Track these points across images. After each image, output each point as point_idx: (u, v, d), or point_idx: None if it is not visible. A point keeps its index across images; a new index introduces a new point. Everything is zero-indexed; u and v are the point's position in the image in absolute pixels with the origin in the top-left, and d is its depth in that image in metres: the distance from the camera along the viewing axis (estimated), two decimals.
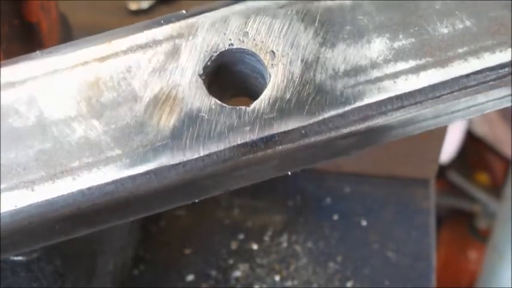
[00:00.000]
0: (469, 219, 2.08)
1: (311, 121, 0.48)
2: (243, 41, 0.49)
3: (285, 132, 0.48)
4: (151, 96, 0.49)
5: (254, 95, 0.50)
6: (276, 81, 0.48)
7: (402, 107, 0.48)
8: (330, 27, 0.50)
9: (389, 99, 0.48)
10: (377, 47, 0.49)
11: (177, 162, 0.47)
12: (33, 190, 0.47)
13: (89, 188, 0.47)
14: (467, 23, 0.49)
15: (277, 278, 0.97)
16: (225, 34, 0.50)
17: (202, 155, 0.47)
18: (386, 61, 0.49)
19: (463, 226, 2.07)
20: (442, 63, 0.48)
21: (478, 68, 0.48)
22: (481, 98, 0.50)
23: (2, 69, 0.50)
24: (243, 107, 0.48)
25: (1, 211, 0.47)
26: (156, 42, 0.50)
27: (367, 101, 0.48)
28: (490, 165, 2.10)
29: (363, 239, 1.00)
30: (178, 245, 1.00)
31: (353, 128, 0.48)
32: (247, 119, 0.48)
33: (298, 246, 1.00)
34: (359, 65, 0.49)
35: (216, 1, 0.51)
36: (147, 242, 1.00)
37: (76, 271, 0.82)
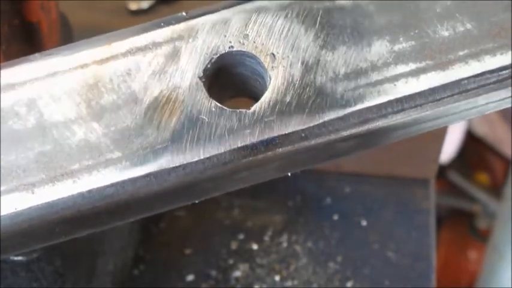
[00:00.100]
0: (469, 219, 2.08)
1: (311, 124, 0.47)
2: (243, 44, 0.49)
3: (285, 135, 0.47)
4: (151, 98, 0.49)
5: (254, 96, 0.50)
6: (276, 83, 0.48)
7: (402, 110, 0.48)
8: (330, 30, 0.49)
9: (390, 102, 0.48)
10: (377, 49, 0.49)
11: (177, 165, 0.47)
12: (33, 193, 0.47)
13: (89, 191, 0.47)
14: (468, 26, 0.49)
15: (277, 278, 0.97)
16: (225, 36, 0.50)
17: (202, 157, 0.47)
18: (387, 64, 0.49)
19: (463, 226, 2.07)
20: (443, 66, 0.48)
21: (479, 71, 0.48)
22: (481, 100, 0.50)
23: (1, 71, 0.50)
24: (244, 110, 0.48)
25: (1, 214, 0.47)
26: (156, 45, 0.50)
27: (367, 103, 0.48)
28: (490, 165, 2.10)
29: (363, 239, 1.01)
30: (178, 245, 1.00)
31: (353, 131, 0.48)
32: (247, 121, 0.48)
33: (298, 246, 1.00)
34: (359, 67, 0.49)
35: (216, 3, 0.51)
36: (147, 242, 1.00)
37: (76, 271, 0.82)
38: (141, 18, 1.03)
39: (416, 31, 0.49)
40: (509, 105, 0.53)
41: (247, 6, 0.50)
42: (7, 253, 0.52)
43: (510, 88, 0.50)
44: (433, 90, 0.48)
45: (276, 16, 0.50)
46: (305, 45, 0.49)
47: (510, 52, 0.48)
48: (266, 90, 0.48)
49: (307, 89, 0.48)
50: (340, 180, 1.07)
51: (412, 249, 0.99)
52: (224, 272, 0.97)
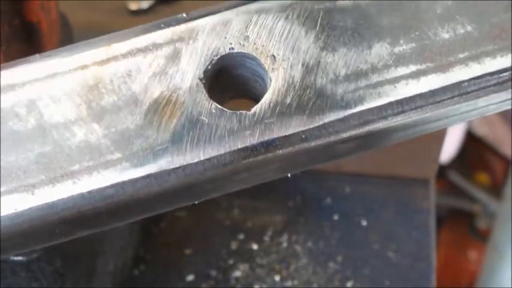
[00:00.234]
0: (469, 219, 2.08)
1: (311, 125, 0.47)
2: (244, 45, 0.49)
3: (285, 136, 0.47)
4: (152, 100, 0.49)
5: (254, 97, 0.50)
6: (276, 85, 0.48)
7: (402, 111, 0.48)
8: (331, 32, 0.49)
9: (390, 104, 0.48)
10: (378, 51, 0.49)
11: (177, 166, 0.47)
12: (33, 193, 0.47)
13: (89, 192, 0.47)
14: (468, 28, 0.49)
15: (277, 278, 0.97)
16: (225, 38, 0.50)
17: (202, 159, 0.47)
18: (387, 66, 0.49)
19: (463, 226, 2.07)
20: (443, 68, 0.48)
21: (479, 73, 0.48)
22: (481, 102, 0.50)
23: (2, 72, 0.50)
24: (244, 112, 0.48)
25: (1, 214, 0.47)
26: (157, 46, 0.50)
27: (367, 105, 0.48)
28: (490, 165, 2.10)
29: (363, 239, 1.01)
30: (178, 246, 1.00)
31: (353, 133, 0.48)
32: (247, 123, 0.48)
33: (298, 246, 1.00)
34: (360, 69, 0.49)
35: (217, 4, 0.51)
36: (147, 242, 1.00)
37: (76, 271, 0.82)
38: (141, 18, 1.03)
39: (417, 33, 0.49)
40: (510, 107, 0.53)
41: (248, 7, 0.50)
42: (7, 253, 0.52)
43: (510, 90, 0.50)
44: (433, 92, 0.48)
45: (276, 18, 0.50)
46: (305, 47, 0.49)
47: (510, 54, 0.48)
48: (266, 91, 0.48)
49: (308, 90, 0.48)
50: (340, 180, 1.07)
51: (412, 249, 0.99)
52: (224, 272, 0.97)
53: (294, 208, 1.04)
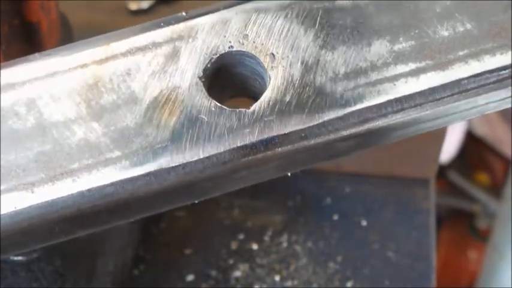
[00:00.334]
0: (469, 219, 2.08)
1: (311, 123, 0.47)
2: (243, 44, 0.49)
3: (284, 134, 0.47)
4: (151, 98, 0.49)
5: (254, 96, 0.50)
6: (275, 83, 0.48)
7: (402, 109, 0.48)
8: (330, 30, 0.49)
9: (389, 102, 0.48)
10: (377, 49, 0.49)
11: (176, 164, 0.47)
12: (32, 192, 0.47)
13: (89, 190, 0.47)
14: (468, 26, 0.49)
15: (277, 278, 0.97)
16: (225, 36, 0.50)
17: (202, 157, 0.47)
18: (386, 64, 0.49)
19: (463, 226, 2.07)
20: (442, 66, 0.48)
21: (479, 71, 0.48)
22: (481, 100, 0.50)
23: (1, 71, 0.50)
24: (243, 110, 0.48)
25: (1, 213, 0.47)
26: (156, 45, 0.50)
27: (367, 103, 0.48)
28: (490, 165, 2.10)
29: (363, 239, 1.00)
30: (178, 245, 1.00)
31: (353, 131, 0.48)
32: (246, 121, 0.48)
33: (298, 246, 1.00)
34: (359, 67, 0.49)
35: (216, 3, 0.51)
36: (147, 242, 1.00)
37: (76, 271, 0.82)
38: (141, 18, 1.03)
39: (416, 31, 0.49)
40: (510, 106, 0.53)
41: (247, 6, 0.50)
42: (7, 253, 0.52)
43: (510, 88, 0.50)
44: (432, 90, 0.48)
45: (275, 16, 0.50)
46: (305, 45, 0.49)
47: (510, 52, 0.48)
48: (266, 90, 0.48)
49: (307, 88, 0.48)
50: (340, 180, 1.07)
51: (412, 249, 0.99)
52: (224, 272, 0.97)
53: (294, 208, 1.04)
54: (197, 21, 0.50)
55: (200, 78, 0.49)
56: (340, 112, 0.48)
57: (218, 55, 0.49)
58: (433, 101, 0.48)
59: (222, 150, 0.47)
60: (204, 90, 0.48)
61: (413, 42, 0.49)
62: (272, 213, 1.04)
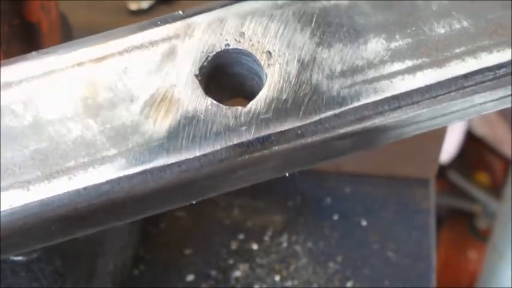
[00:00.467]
0: (469, 219, 2.08)
1: (307, 121, 0.47)
2: (240, 42, 0.49)
3: (281, 132, 0.47)
4: (148, 96, 0.49)
5: (251, 96, 0.50)
6: (272, 81, 0.48)
7: (399, 107, 0.48)
8: (326, 28, 0.49)
9: (386, 100, 0.48)
10: (373, 47, 0.49)
11: (173, 162, 0.47)
12: (28, 190, 0.47)
13: (85, 188, 0.47)
14: (465, 23, 0.49)
15: (277, 278, 0.97)
16: (221, 35, 0.50)
17: (198, 155, 0.47)
18: (383, 61, 0.49)
19: (463, 226, 2.07)
20: (439, 63, 0.48)
21: (475, 68, 0.48)
22: (478, 98, 0.50)
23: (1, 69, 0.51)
24: (239, 107, 0.48)
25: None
26: (153, 43, 0.50)
27: (363, 101, 0.48)
28: (490, 165, 2.09)
29: (363, 239, 1.00)
30: (178, 245, 1.00)
31: (350, 129, 0.48)
32: (243, 119, 0.48)
33: (298, 246, 1.00)
34: (355, 65, 0.49)
35: (212, 2, 0.51)
36: (147, 242, 1.00)
37: (76, 271, 0.82)
38: (141, 18, 1.03)
39: (413, 29, 0.49)
40: (509, 105, 0.53)
41: (243, 4, 0.50)
42: (6, 253, 0.52)
43: (508, 86, 0.50)
44: (429, 87, 0.48)
45: (272, 14, 0.50)
46: (301, 43, 0.49)
47: (507, 49, 0.48)
48: (262, 88, 0.48)
49: (304, 86, 0.48)
50: (340, 180, 1.07)
51: (412, 249, 0.99)
52: (224, 272, 0.97)
53: (294, 208, 1.04)
54: (194, 19, 0.50)
55: (197, 76, 0.49)
56: (337, 110, 0.48)
57: (215, 53, 0.49)
58: (430, 98, 0.48)
59: (218, 148, 0.47)
60: (200, 88, 0.48)
61: (409, 40, 0.49)
62: (272, 213, 1.04)
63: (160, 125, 0.48)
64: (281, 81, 0.48)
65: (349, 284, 0.96)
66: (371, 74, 0.48)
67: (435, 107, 0.49)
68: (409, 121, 0.50)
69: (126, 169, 0.47)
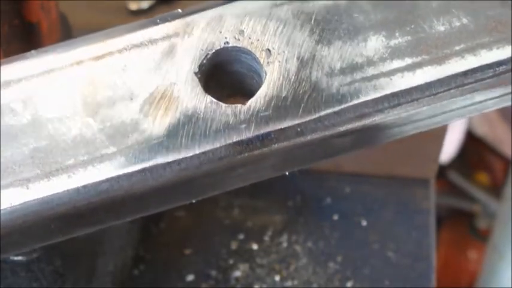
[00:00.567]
0: (469, 219, 2.08)
1: (307, 119, 0.47)
2: (239, 39, 0.49)
3: (280, 129, 0.47)
4: (147, 94, 0.49)
5: (250, 94, 0.50)
6: (271, 79, 0.48)
7: (398, 104, 0.48)
8: (326, 25, 0.49)
9: (386, 97, 0.48)
10: (373, 44, 0.49)
11: (172, 160, 0.47)
12: (28, 188, 0.47)
13: (84, 186, 0.47)
14: (464, 21, 0.49)
15: (277, 278, 0.97)
16: (220, 32, 0.50)
17: (197, 152, 0.47)
18: (383, 59, 0.49)
19: (463, 226, 2.06)
20: (439, 60, 0.48)
21: (475, 65, 0.48)
22: (478, 96, 0.50)
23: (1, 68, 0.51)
24: (239, 105, 0.48)
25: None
26: (152, 41, 0.50)
27: (363, 98, 0.48)
28: (490, 165, 2.09)
29: (363, 239, 1.00)
30: (178, 245, 1.00)
31: (349, 126, 0.48)
32: (242, 116, 0.48)
33: (298, 246, 1.00)
34: (355, 62, 0.49)
35: (212, 0, 0.51)
36: (147, 242, 1.00)
37: (76, 271, 0.82)
38: (141, 18, 1.03)
39: (412, 26, 0.49)
40: (508, 103, 0.53)
41: (243, 3, 0.51)
42: (6, 252, 0.52)
43: (508, 84, 0.50)
44: (429, 85, 0.48)
45: (271, 12, 0.50)
46: (300, 41, 0.49)
47: (507, 46, 0.48)
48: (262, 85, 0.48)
49: (303, 83, 0.48)
50: (340, 180, 1.07)
51: (412, 249, 0.99)
52: (224, 272, 0.97)
53: (294, 208, 1.04)
54: (193, 17, 0.51)
55: (196, 74, 0.49)
56: (337, 107, 0.48)
57: (214, 51, 0.49)
58: (430, 95, 0.48)
59: (218, 145, 0.47)
60: (200, 86, 0.48)
61: (409, 38, 0.49)
62: (272, 213, 1.04)
63: (159, 123, 0.48)
64: (280, 78, 0.48)
65: (349, 284, 0.96)
66: (370, 71, 0.48)
67: (435, 105, 0.49)
68: (409, 119, 0.50)
69: (126, 167, 0.47)
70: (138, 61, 0.50)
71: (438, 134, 1.01)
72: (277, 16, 0.50)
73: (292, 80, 0.48)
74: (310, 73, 0.48)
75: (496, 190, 2.00)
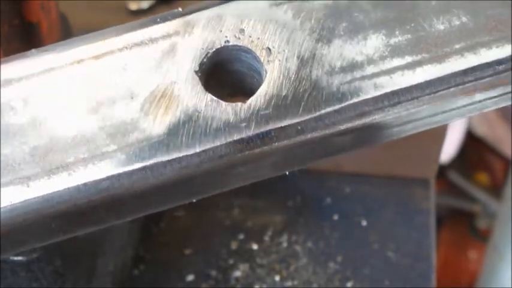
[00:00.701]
0: (469, 219, 2.07)
1: (307, 117, 0.47)
2: (239, 38, 0.49)
3: (281, 128, 0.47)
4: (148, 93, 0.49)
5: (251, 93, 0.50)
6: (272, 77, 0.48)
7: (399, 102, 0.48)
8: (326, 24, 0.50)
9: (386, 95, 0.48)
10: (373, 43, 0.49)
11: (173, 158, 0.47)
12: (28, 186, 0.47)
13: (85, 184, 0.47)
14: (464, 20, 0.49)
15: (277, 278, 0.96)
16: (221, 31, 0.50)
17: (198, 151, 0.47)
18: (383, 57, 0.49)
19: (463, 226, 2.06)
20: (439, 59, 0.48)
21: (475, 64, 0.48)
22: (478, 95, 0.50)
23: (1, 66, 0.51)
24: (239, 103, 0.48)
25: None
26: (152, 40, 0.50)
27: (363, 96, 0.48)
28: (490, 165, 2.09)
29: (363, 239, 1.00)
30: (178, 245, 1.00)
31: (349, 125, 0.48)
32: (243, 115, 0.48)
33: (298, 246, 1.00)
34: (355, 61, 0.49)
35: (211, 0, 0.52)
36: (147, 242, 1.00)
37: (76, 271, 0.82)
38: (141, 18, 1.03)
39: (412, 25, 0.49)
40: (509, 103, 0.53)
41: (243, 2, 0.51)
42: (5, 251, 0.52)
43: (508, 83, 0.50)
44: (429, 83, 0.48)
45: (271, 11, 0.50)
46: (301, 40, 0.49)
47: (507, 45, 0.48)
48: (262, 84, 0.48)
49: (303, 82, 0.48)
50: (340, 180, 1.07)
51: (412, 249, 0.99)
52: (224, 272, 0.97)
53: (294, 208, 1.04)
54: (193, 16, 0.51)
55: (196, 72, 0.49)
56: (337, 105, 0.48)
57: (214, 50, 0.49)
58: (430, 94, 0.48)
59: (218, 144, 0.47)
60: (200, 84, 0.48)
61: (409, 36, 0.49)
62: (272, 213, 1.04)
63: (160, 121, 0.48)
64: (281, 77, 0.48)
65: (349, 284, 0.96)
66: (371, 69, 0.48)
67: (435, 103, 0.49)
68: (409, 118, 0.50)
69: (126, 165, 0.47)
70: (138, 60, 0.50)
71: (438, 134, 1.01)
72: (277, 15, 0.50)
73: (292, 78, 0.48)
74: (311, 72, 0.48)
75: (496, 190, 2.00)
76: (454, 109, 0.51)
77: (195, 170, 0.48)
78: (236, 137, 0.47)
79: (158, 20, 0.51)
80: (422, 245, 0.99)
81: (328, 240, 1.00)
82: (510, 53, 0.48)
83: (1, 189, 0.47)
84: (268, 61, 0.49)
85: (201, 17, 0.51)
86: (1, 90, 0.50)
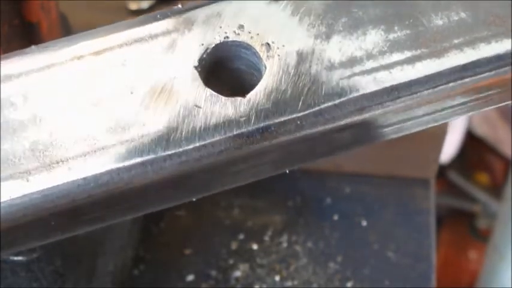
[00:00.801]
0: (469, 219, 2.07)
1: (307, 112, 0.47)
2: (239, 34, 0.50)
3: (280, 122, 0.47)
4: (147, 88, 0.49)
5: (251, 90, 0.50)
6: (271, 72, 0.48)
7: (398, 97, 0.48)
8: (325, 20, 0.50)
9: (385, 90, 0.48)
10: (372, 38, 0.49)
11: (172, 152, 0.47)
12: (28, 180, 0.47)
13: (84, 178, 0.47)
14: (462, 15, 0.49)
15: (277, 278, 0.96)
16: (220, 27, 0.50)
17: (198, 145, 0.47)
18: (382, 52, 0.49)
19: (463, 226, 2.06)
20: (438, 53, 0.48)
21: (474, 59, 0.48)
22: (478, 91, 0.50)
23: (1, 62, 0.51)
24: (239, 98, 0.48)
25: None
26: (152, 36, 0.51)
27: (363, 91, 0.48)
28: (490, 165, 2.09)
29: (363, 239, 1.00)
30: (178, 245, 1.00)
31: (349, 120, 0.48)
32: (242, 109, 0.48)
33: (298, 246, 1.00)
34: (354, 56, 0.49)
35: None
36: (147, 242, 1.00)
37: (76, 271, 0.82)
38: None
39: (411, 20, 0.49)
40: (509, 102, 0.53)
41: None
42: (5, 250, 0.52)
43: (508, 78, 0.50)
44: (428, 78, 0.48)
45: (271, 7, 0.50)
46: (300, 35, 0.49)
47: (506, 40, 0.48)
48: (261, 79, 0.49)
49: (303, 77, 0.48)
50: (340, 180, 1.07)
51: (412, 250, 0.99)
52: (224, 272, 0.97)
53: (294, 208, 1.04)
54: (193, 13, 0.51)
55: (196, 67, 0.49)
56: (336, 100, 0.48)
57: (214, 45, 0.49)
58: (429, 88, 0.48)
59: (217, 138, 0.47)
60: (199, 79, 0.49)
61: (408, 31, 0.49)
62: (272, 213, 1.04)
63: (160, 116, 0.48)
64: (280, 72, 0.48)
65: (349, 284, 0.96)
66: (370, 64, 0.48)
67: (435, 99, 0.49)
68: (409, 115, 0.50)
69: (126, 160, 0.47)
70: (138, 56, 0.50)
71: (438, 134, 1.01)
72: (276, 11, 0.50)
73: (291, 73, 0.48)
74: (310, 67, 0.48)
75: (496, 190, 2.00)
76: (453, 107, 0.51)
77: (195, 165, 0.48)
78: (236, 131, 0.47)
79: (158, 16, 0.51)
80: (422, 245, 0.99)
81: (328, 240, 1.00)
82: (509, 48, 0.48)
83: (1, 183, 0.47)
84: (267, 56, 0.49)
85: (201, 13, 0.51)
86: (1, 86, 0.50)
